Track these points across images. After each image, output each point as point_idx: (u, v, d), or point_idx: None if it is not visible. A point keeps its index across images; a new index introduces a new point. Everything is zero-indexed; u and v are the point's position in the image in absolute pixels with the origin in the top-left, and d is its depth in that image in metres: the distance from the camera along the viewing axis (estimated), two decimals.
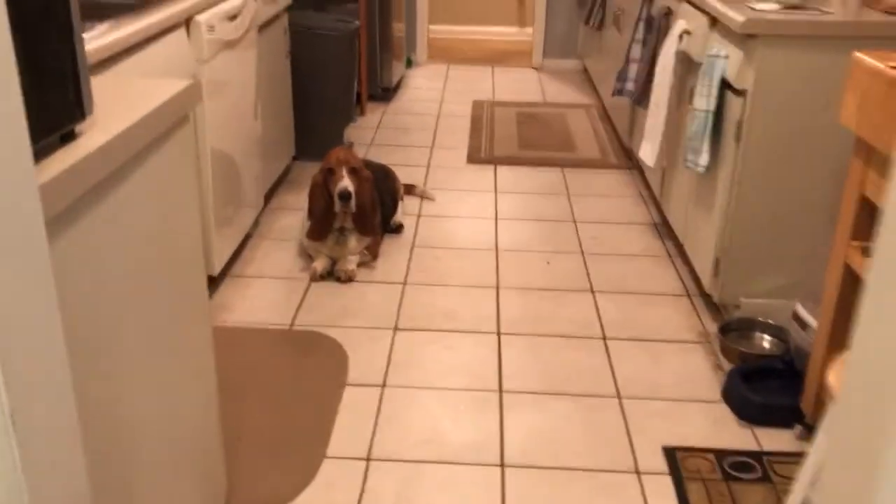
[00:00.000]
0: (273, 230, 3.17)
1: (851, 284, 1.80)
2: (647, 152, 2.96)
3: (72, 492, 0.89)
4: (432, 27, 6.23)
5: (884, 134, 1.57)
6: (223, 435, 1.73)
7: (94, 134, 1.09)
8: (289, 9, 3.48)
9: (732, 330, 2.41)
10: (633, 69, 3.33)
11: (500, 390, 2.24)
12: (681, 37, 2.74)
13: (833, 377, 1.38)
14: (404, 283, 2.80)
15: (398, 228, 3.18)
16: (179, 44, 2.26)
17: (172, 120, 1.31)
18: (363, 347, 2.41)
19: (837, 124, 1.81)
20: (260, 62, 2.99)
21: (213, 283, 2.69)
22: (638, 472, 1.95)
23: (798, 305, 2.15)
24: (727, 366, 2.31)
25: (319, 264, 2.82)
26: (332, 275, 2.81)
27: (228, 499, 1.78)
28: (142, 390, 1.28)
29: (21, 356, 0.75)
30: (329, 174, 2.79)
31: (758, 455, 2.00)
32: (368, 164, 3.03)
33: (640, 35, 3.28)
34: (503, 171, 3.87)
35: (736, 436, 2.08)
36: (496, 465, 1.96)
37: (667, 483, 1.91)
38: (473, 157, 4.02)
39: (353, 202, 2.74)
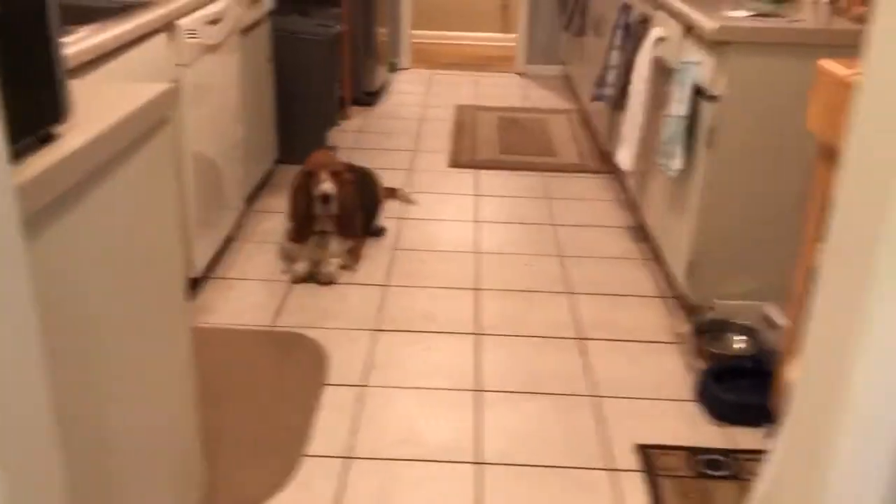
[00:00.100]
0: (255, 233, 3.19)
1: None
2: (624, 157, 3.01)
3: (49, 492, 0.90)
4: (416, 32, 6.27)
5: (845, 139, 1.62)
6: (203, 435, 1.75)
7: (73, 136, 1.12)
8: (271, 13, 3.50)
9: (706, 331, 2.46)
10: (612, 75, 3.38)
11: (478, 390, 2.28)
12: (657, 43, 2.80)
13: (792, 374, 1.43)
14: (385, 286, 2.83)
15: (380, 231, 3.21)
16: (161, 48, 2.29)
17: (151, 122, 1.34)
18: (343, 348, 2.44)
19: (807, 130, 1.86)
20: (242, 66, 3.02)
21: (196, 285, 2.71)
22: (612, 470, 1.99)
23: (768, 306, 2.19)
24: (700, 366, 2.35)
25: (301, 267, 2.85)
26: (314, 277, 2.84)
27: (208, 498, 1.80)
28: (119, 391, 1.31)
29: None
30: (310, 177, 2.81)
31: (729, 453, 2.05)
32: (350, 168, 3.06)
33: (618, 41, 3.33)
34: (484, 175, 3.91)
35: (708, 434, 2.12)
36: (473, 463, 1.99)
37: (640, 480, 1.95)
38: (455, 162, 4.06)
39: (333, 205, 2.77)
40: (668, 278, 2.86)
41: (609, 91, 3.42)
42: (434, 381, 2.31)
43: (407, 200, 3.55)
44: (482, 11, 6.97)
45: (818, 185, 1.82)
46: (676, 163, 2.49)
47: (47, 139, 1.09)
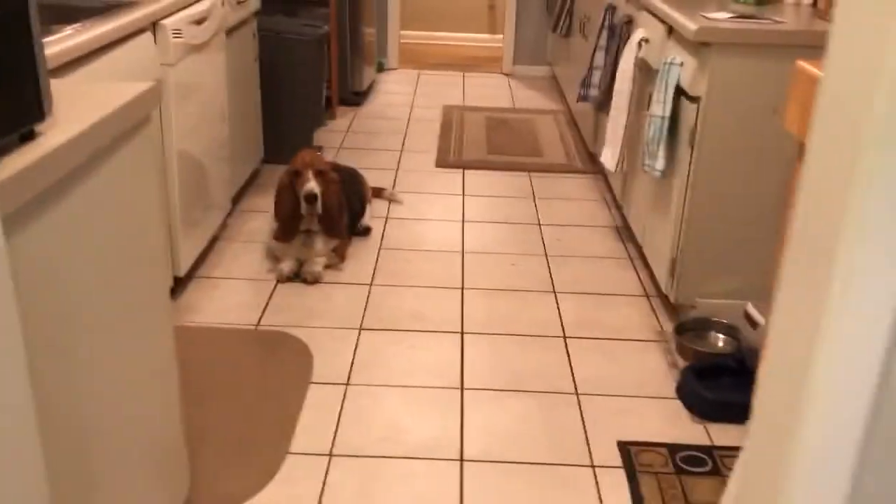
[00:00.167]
0: (241, 232, 3.19)
1: None
2: (608, 157, 3.03)
3: (30, 491, 0.91)
4: (404, 32, 6.28)
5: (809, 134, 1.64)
6: (187, 433, 1.76)
7: (54, 134, 1.13)
8: (258, 13, 3.51)
9: (688, 329, 2.48)
10: (597, 76, 3.40)
11: (462, 388, 2.29)
12: (640, 44, 2.82)
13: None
14: (371, 285, 2.84)
15: (366, 231, 3.22)
16: (146, 47, 2.29)
17: (133, 121, 1.35)
18: (328, 347, 2.45)
19: (787, 130, 1.88)
20: (228, 66, 3.02)
21: (181, 284, 2.72)
22: (593, 466, 2.00)
23: (749, 305, 2.22)
24: (682, 364, 2.37)
25: (286, 266, 2.85)
26: (299, 276, 2.85)
27: (191, 495, 1.81)
28: (102, 388, 1.31)
29: None
30: (295, 176, 2.82)
31: (709, 449, 2.07)
32: (337, 168, 3.07)
33: (603, 42, 3.35)
34: (471, 175, 3.93)
35: (689, 431, 2.14)
36: (455, 460, 2.01)
37: (621, 476, 1.97)
38: (442, 162, 4.07)
39: (319, 204, 2.78)
40: (652, 277, 2.88)
41: (594, 92, 3.44)
42: (419, 379, 2.32)
43: (394, 200, 3.56)
44: (469, 12, 6.99)
45: (795, 184, 1.84)
46: (660, 163, 2.52)
47: (28, 137, 1.09)
